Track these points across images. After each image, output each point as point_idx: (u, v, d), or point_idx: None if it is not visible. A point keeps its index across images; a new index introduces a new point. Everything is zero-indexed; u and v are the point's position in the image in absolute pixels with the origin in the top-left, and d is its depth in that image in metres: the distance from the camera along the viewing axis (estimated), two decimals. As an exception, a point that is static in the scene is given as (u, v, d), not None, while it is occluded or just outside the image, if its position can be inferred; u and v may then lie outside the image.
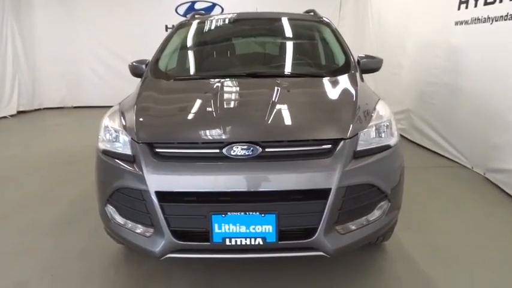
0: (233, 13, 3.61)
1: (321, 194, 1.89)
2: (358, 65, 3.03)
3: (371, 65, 3.06)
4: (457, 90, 4.47)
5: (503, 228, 3.02)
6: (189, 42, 3.39)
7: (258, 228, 1.87)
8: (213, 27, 3.50)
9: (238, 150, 1.91)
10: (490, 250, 2.70)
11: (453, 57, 4.53)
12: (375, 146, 2.09)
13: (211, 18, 3.62)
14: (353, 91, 2.45)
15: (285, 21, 3.45)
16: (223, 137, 1.96)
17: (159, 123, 2.17)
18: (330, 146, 1.96)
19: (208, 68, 3.17)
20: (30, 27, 8.48)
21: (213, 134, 2.00)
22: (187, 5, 9.08)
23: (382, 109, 2.32)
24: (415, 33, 5.36)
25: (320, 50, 3.33)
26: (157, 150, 1.98)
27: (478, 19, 4.09)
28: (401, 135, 5.59)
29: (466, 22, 4.29)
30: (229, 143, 1.92)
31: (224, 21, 3.56)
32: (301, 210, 1.90)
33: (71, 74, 9.06)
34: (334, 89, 2.56)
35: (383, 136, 2.17)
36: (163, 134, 2.05)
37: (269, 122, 2.04)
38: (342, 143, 1.97)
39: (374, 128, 2.15)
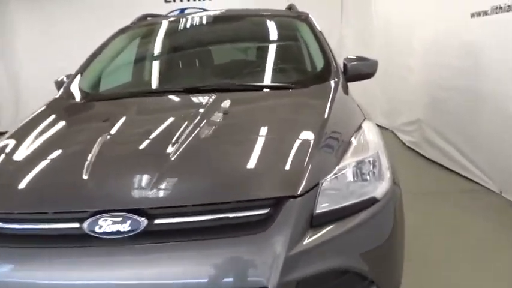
0: (190, 13, 2.88)
1: None
2: (344, 71, 2.28)
3: (362, 69, 2.32)
4: (478, 96, 3.62)
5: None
6: (127, 51, 2.68)
7: None
8: (161, 31, 2.79)
9: (106, 225, 1.16)
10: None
11: (470, 56, 3.70)
12: (350, 203, 1.31)
13: (162, 21, 2.91)
14: (323, 110, 1.69)
15: (249, 20, 2.74)
16: (87, 202, 1.22)
17: None
18: (265, 211, 1.20)
19: (138, 82, 2.46)
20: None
21: (71, 197, 1.26)
22: (177, 12, 8.43)
23: (367, 135, 1.56)
24: (425, 30, 4.56)
25: (291, 52, 2.56)
26: None
27: (500, 8, 3.28)
28: (412, 149, 4.78)
29: (485, 13, 3.48)
30: (95, 213, 1.18)
31: (177, 23, 2.84)
32: None
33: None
34: (295, 107, 1.81)
35: (368, 179, 1.40)
36: None
37: (167, 172, 1.29)
38: (287, 204, 1.21)
39: (352, 168, 1.39)
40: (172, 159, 1.35)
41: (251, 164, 1.37)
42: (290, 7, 3.18)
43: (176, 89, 2.07)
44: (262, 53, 2.57)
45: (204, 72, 2.51)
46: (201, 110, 1.70)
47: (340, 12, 7.73)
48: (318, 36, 2.49)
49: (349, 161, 1.39)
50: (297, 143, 1.45)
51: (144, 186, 1.25)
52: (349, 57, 2.40)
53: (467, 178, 3.81)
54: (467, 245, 2.68)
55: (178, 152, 1.39)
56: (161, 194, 1.24)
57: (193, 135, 1.51)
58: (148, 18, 3.10)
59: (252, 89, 2.09)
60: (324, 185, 1.29)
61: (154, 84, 2.38)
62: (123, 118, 1.74)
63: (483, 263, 2.45)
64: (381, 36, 5.97)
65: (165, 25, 2.81)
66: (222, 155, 1.44)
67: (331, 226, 1.25)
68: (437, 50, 4.30)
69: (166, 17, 2.97)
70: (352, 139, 1.50)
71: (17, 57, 7.96)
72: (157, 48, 2.69)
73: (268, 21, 2.72)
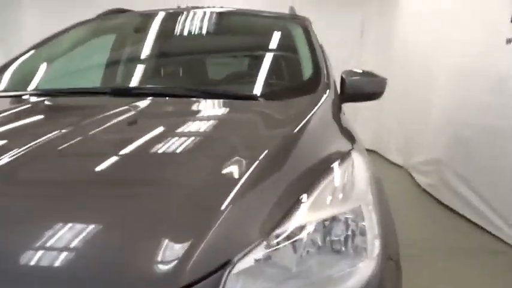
0: (163, 10, 2.39)
1: None
2: (341, 87, 1.77)
3: (366, 87, 1.77)
4: (508, 137, 3.06)
5: None
6: (75, 46, 2.21)
7: None
8: (120, 27, 2.37)
9: None
10: None
11: (503, 90, 3.15)
12: None
13: (127, 16, 2.47)
14: (284, 134, 1.15)
15: (230, 18, 2.25)
16: None
17: None
18: None
19: (60, 79, 1.97)
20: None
21: None
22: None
23: (348, 175, 1.00)
24: (450, 59, 4.03)
25: (271, 57, 2.02)
26: None
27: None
28: (428, 193, 4.15)
29: (526, 38, 2.95)
30: None
31: (144, 18, 2.38)
32: None
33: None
34: (242, 127, 1.28)
35: (341, 251, 0.83)
36: None
37: None
38: None
39: (311, 230, 0.82)
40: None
41: (100, 230, 0.77)
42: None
43: (99, 90, 1.59)
44: (236, 55, 2.07)
45: (149, 74, 2.01)
46: (91, 123, 1.18)
47: (360, 38, 7.28)
48: (311, 42, 1.96)
49: (307, 219, 0.83)
50: (208, 187, 0.89)
51: None
52: (351, 70, 1.87)
53: (492, 234, 3.15)
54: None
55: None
56: None
57: (37, 170, 0.96)
58: (117, 11, 2.65)
59: (199, 96, 1.56)
60: (241, 265, 0.73)
61: (73, 82, 1.90)
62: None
63: None
64: (402, 64, 5.48)
65: (127, 20, 2.37)
66: (58, 209, 0.83)
67: None
68: (464, 82, 3.76)
69: (136, 12, 2.50)
70: (321, 180, 0.94)
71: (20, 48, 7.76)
72: (104, 45, 2.23)
73: (253, 21, 2.24)
